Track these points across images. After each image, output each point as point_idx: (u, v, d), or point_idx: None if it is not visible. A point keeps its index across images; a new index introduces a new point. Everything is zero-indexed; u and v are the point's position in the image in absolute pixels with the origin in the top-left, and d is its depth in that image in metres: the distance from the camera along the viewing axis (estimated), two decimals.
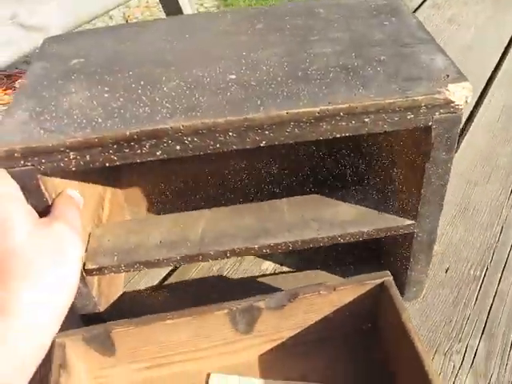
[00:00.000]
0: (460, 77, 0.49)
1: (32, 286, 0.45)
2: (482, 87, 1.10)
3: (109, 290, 0.67)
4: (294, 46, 0.56)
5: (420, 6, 1.41)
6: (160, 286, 0.74)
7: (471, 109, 1.04)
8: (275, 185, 0.68)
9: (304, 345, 0.61)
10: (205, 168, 0.72)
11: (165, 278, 0.75)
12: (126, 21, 3.57)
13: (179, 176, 0.74)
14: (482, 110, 1.03)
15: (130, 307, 0.71)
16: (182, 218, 0.62)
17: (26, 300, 0.44)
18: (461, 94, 0.48)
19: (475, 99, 1.07)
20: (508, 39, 1.27)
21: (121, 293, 0.72)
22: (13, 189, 0.48)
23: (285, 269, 0.74)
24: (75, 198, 0.55)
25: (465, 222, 0.80)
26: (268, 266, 0.75)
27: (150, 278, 0.75)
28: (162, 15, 3.46)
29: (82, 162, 0.48)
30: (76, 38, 0.65)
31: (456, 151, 0.92)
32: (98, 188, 0.67)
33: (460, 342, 0.65)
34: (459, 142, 0.95)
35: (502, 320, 0.67)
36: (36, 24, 1.61)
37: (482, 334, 0.66)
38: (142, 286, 0.74)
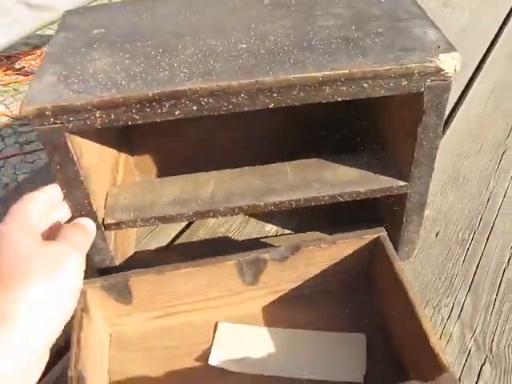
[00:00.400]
0: (450, 48, 0.54)
1: (31, 291, 0.49)
2: (475, 65, 1.15)
3: (123, 248, 0.72)
4: (299, 20, 0.61)
5: None
6: (169, 246, 0.79)
7: (463, 87, 1.09)
8: (279, 149, 0.73)
9: (304, 296, 0.66)
10: (211, 134, 0.77)
11: (173, 240, 0.80)
12: None
13: (186, 143, 0.79)
14: (474, 87, 1.09)
15: (142, 266, 0.76)
16: (192, 178, 0.67)
17: (25, 305, 0.48)
18: (450, 63, 0.53)
19: (468, 77, 1.12)
20: (501, 22, 1.32)
21: (132, 252, 0.77)
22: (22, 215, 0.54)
23: (286, 231, 0.79)
24: (87, 224, 0.60)
25: (455, 191, 0.85)
26: (271, 228, 0.80)
27: (160, 239, 0.80)
28: None
29: (106, 121, 0.53)
30: (94, 11, 0.69)
31: (448, 126, 0.98)
32: (114, 153, 0.72)
33: (448, 297, 0.70)
34: (452, 118, 1.00)
35: (487, 278, 0.72)
36: (42, 3, 1.65)
37: (469, 290, 0.71)
38: (152, 247, 0.79)
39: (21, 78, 2.96)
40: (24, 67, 3.03)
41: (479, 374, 0.62)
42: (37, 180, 1.03)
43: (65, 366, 0.64)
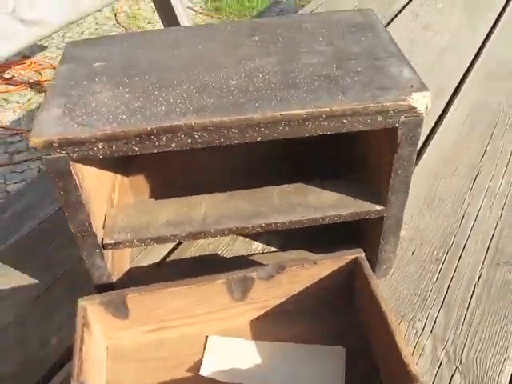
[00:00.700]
0: (422, 87, 0.60)
1: None
2: (454, 87, 1.21)
3: (119, 265, 0.77)
4: (285, 57, 0.66)
5: (398, 13, 1.51)
6: (161, 263, 0.84)
7: (441, 110, 1.15)
8: (268, 175, 0.78)
9: (288, 312, 0.71)
10: (201, 159, 0.82)
11: (165, 257, 0.85)
12: (115, 14, 3.64)
13: (177, 166, 0.84)
14: (452, 109, 1.15)
15: (136, 281, 0.80)
16: (185, 201, 0.72)
17: None
18: (422, 102, 0.59)
19: (446, 100, 1.18)
20: (479, 44, 1.38)
21: (127, 269, 0.82)
22: None
23: (272, 249, 0.84)
24: None
25: (431, 211, 0.91)
26: (257, 245, 0.85)
27: (152, 256, 0.85)
28: (149, 8, 3.54)
29: (108, 151, 0.58)
30: (95, 43, 0.74)
31: (426, 149, 1.04)
32: (111, 175, 0.77)
33: (422, 312, 0.76)
34: (429, 140, 1.06)
35: (458, 295, 0.78)
36: (35, 18, 1.69)
37: (441, 306, 0.76)
38: (145, 263, 0.84)
39: (10, 87, 2.98)
40: (14, 77, 3.06)
41: (450, 382, 0.67)
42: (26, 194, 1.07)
43: (64, 377, 0.69)
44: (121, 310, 0.67)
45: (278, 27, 0.73)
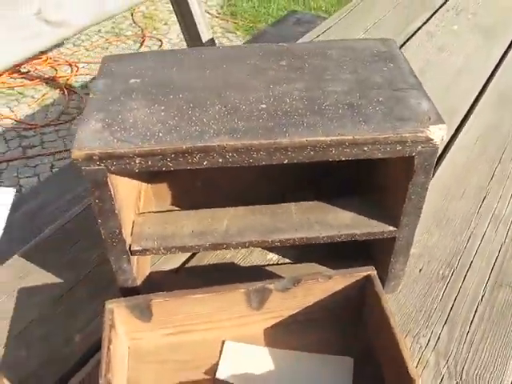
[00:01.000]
0: (439, 119, 0.64)
1: None
2: (467, 108, 1.26)
3: (142, 269, 0.81)
4: (311, 83, 0.71)
5: (414, 33, 1.55)
6: (180, 268, 0.88)
7: (453, 132, 1.19)
8: (288, 190, 0.82)
9: (300, 323, 0.75)
10: (222, 173, 0.86)
11: (184, 263, 0.89)
12: (132, 14, 3.69)
13: (200, 178, 0.88)
14: (463, 132, 1.19)
15: (156, 285, 0.85)
16: (208, 213, 0.77)
17: None
18: (438, 134, 0.63)
19: (458, 122, 1.22)
20: (493, 66, 1.43)
21: (148, 273, 0.86)
22: None
23: (287, 260, 0.89)
24: None
25: (439, 230, 0.95)
26: (272, 256, 0.89)
27: (172, 262, 0.89)
28: (165, 10, 3.58)
29: (144, 166, 0.62)
30: (130, 58, 0.78)
31: (436, 170, 1.08)
32: (138, 184, 0.81)
33: (426, 328, 0.80)
34: (441, 161, 1.10)
35: (462, 312, 0.82)
36: (60, 20, 1.73)
37: (445, 323, 0.80)
38: (165, 268, 0.88)
39: (26, 81, 3.03)
40: (29, 71, 3.11)
41: None
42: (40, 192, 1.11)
43: (87, 373, 0.73)
44: (145, 314, 0.71)
45: (305, 53, 0.77)
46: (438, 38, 1.53)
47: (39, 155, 2.49)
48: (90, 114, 0.66)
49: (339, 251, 0.85)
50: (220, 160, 0.62)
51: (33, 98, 2.87)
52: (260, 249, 0.90)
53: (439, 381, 0.74)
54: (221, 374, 0.71)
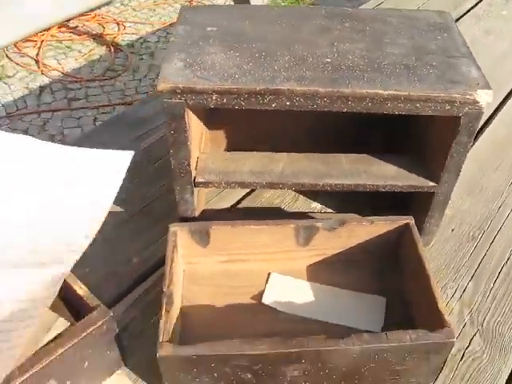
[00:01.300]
0: (486, 85, 0.71)
1: None
2: (509, 90, 1.32)
3: (199, 204, 0.89)
4: (372, 45, 0.77)
5: (462, 16, 1.60)
6: (232, 208, 0.96)
7: (497, 105, 1.25)
8: (339, 142, 0.89)
9: (342, 262, 0.83)
10: (278, 123, 0.94)
11: (236, 204, 0.97)
12: None
13: (257, 127, 0.95)
14: (505, 107, 1.25)
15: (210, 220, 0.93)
16: (266, 156, 0.84)
17: None
18: (485, 98, 0.70)
19: (502, 98, 1.28)
20: None
21: (202, 209, 0.94)
22: None
23: (329, 210, 0.96)
24: None
25: (472, 197, 1.02)
26: (316, 205, 0.97)
27: (224, 202, 0.97)
28: None
29: (219, 103, 0.70)
30: (205, 10, 0.86)
31: (477, 140, 1.14)
32: (202, 126, 0.89)
33: (454, 281, 0.87)
34: (481, 133, 1.16)
35: (488, 271, 0.89)
36: None
37: (471, 278, 0.88)
38: (217, 207, 0.96)
39: (74, 36, 3.11)
40: (77, 27, 3.18)
41: (470, 341, 0.79)
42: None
43: (145, 288, 0.82)
44: (203, 239, 0.79)
45: (367, 18, 0.84)
46: (485, 22, 1.58)
47: (83, 108, 2.57)
48: (173, 54, 0.74)
49: (377, 205, 0.92)
50: (288, 103, 0.70)
51: (80, 52, 2.95)
52: (304, 198, 0.98)
53: (462, 327, 0.81)
54: (266, 300, 0.79)
